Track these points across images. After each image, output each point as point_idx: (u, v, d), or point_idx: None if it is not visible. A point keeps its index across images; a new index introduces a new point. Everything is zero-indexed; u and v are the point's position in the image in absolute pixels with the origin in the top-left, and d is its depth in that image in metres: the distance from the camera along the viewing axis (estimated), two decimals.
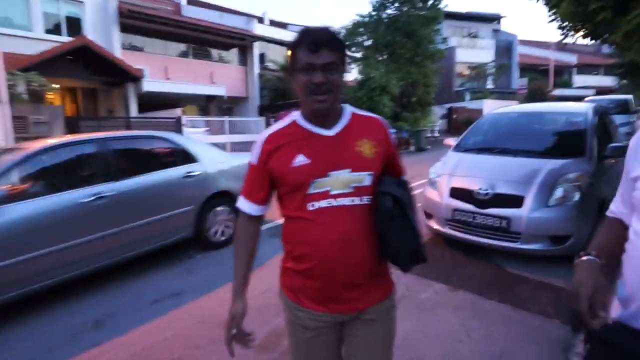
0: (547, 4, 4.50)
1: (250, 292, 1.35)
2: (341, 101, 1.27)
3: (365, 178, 1.21)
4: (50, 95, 13.28)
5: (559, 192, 3.52)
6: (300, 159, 1.19)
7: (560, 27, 4.47)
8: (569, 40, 4.51)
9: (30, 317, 3.12)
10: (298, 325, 1.29)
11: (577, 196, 3.48)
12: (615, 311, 0.98)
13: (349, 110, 1.30)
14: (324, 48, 1.13)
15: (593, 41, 4.87)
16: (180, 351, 2.57)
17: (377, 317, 1.30)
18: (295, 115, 1.29)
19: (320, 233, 1.18)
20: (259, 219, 1.36)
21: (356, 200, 1.20)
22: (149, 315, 3.05)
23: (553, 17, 4.45)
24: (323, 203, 1.18)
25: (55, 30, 13.39)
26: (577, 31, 4.33)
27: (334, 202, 1.19)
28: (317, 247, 1.19)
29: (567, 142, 4.27)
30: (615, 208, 1.13)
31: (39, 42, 12.47)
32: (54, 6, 13.35)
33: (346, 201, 1.19)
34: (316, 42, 1.13)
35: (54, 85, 10.37)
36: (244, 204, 1.33)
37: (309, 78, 1.14)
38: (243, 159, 4.90)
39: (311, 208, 1.19)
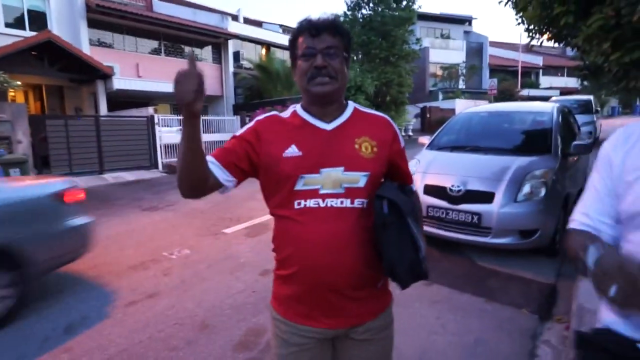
0: (514, 7, 4.69)
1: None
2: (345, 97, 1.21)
3: (359, 179, 1.11)
4: (11, 93, 12.68)
5: (526, 188, 3.67)
6: (292, 150, 1.11)
7: (527, 30, 4.66)
8: (535, 42, 4.72)
9: None
10: (282, 340, 1.19)
11: (543, 192, 3.64)
12: (606, 318, 0.95)
13: (352, 105, 1.23)
14: (325, 32, 1.09)
15: (557, 44, 5.10)
16: (157, 353, 2.53)
17: (372, 336, 1.19)
18: (296, 106, 1.23)
19: (303, 234, 1.10)
20: (216, 182, 1.12)
21: (346, 203, 1.10)
22: (123, 318, 2.98)
23: (520, 20, 4.64)
24: (310, 202, 1.09)
25: (17, 24, 12.77)
26: (542, 34, 4.54)
27: (322, 203, 1.09)
28: (300, 249, 1.11)
29: (534, 140, 4.46)
30: (584, 220, 0.97)
31: None
32: None
33: (335, 202, 1.10)
34: (317, 26, 1.09)
35: (16, 82, 9.90)
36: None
37: (310, 63, 1.09)
38: (32, 191, 3.32)
39: (297, 207, 1.10)
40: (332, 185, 1.10)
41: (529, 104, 5.45)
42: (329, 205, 1.09)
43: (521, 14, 4.10)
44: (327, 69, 1.09)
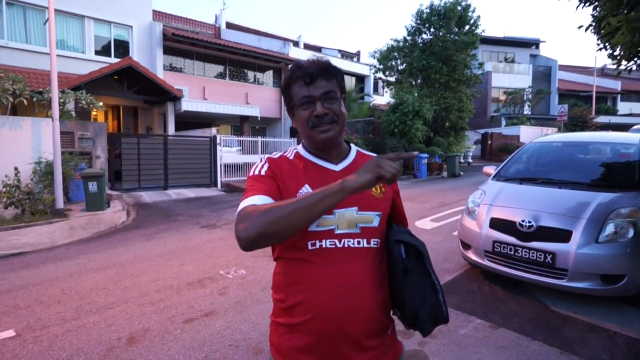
0: (596, 33, 4.35)
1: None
2: (346, 135, 1.17)
3: (373, 218, 1.11)
4: (94, 112, 14.06)
5: (610, 228, 3.31)
6: (305, 190, 1.09)
7: (611, 56, 4.29)
8: (622, 68, 4.31)
9: (64, 331, 3.19)
10: None
11: (631, 233, 3.25)
12: None
13: (354, 148, 1.24)
14: (320, 78, 1.09)
15: None
16: None
17: None
18: (297, 147, 1.21)
19: (320, 276, 1.05)
20: None
21: (363, 243, 1.09)
22: (181, 335, 3.04)
23: (602, 46, 4.29)
24: (326, 243, 1.06)
25: (104, 52, 14.29)
26: (630, 60, 4.15)
27: (339, 243, 1.07)
28: (316, 293, 1.05)
29: (617, 175, 4.05)
30: None
31: (89, 62, 13.32)
32: (105, 30, 14.30)
33: (352, 242, 1.08)
34: (310, 73, 1.08)
35: (99, 103, 10.96)
36: (258, 199, 1.01)
37: (310, 111, 1.08)
38: None
39: (311, 247, 1.06)
40: (348, 225, 1.08)
41: (610, 134, 4.99)
42: (346, 245, 1.07)
43: (607, 38, 3.78)
44: (328, 115, 1.09)
